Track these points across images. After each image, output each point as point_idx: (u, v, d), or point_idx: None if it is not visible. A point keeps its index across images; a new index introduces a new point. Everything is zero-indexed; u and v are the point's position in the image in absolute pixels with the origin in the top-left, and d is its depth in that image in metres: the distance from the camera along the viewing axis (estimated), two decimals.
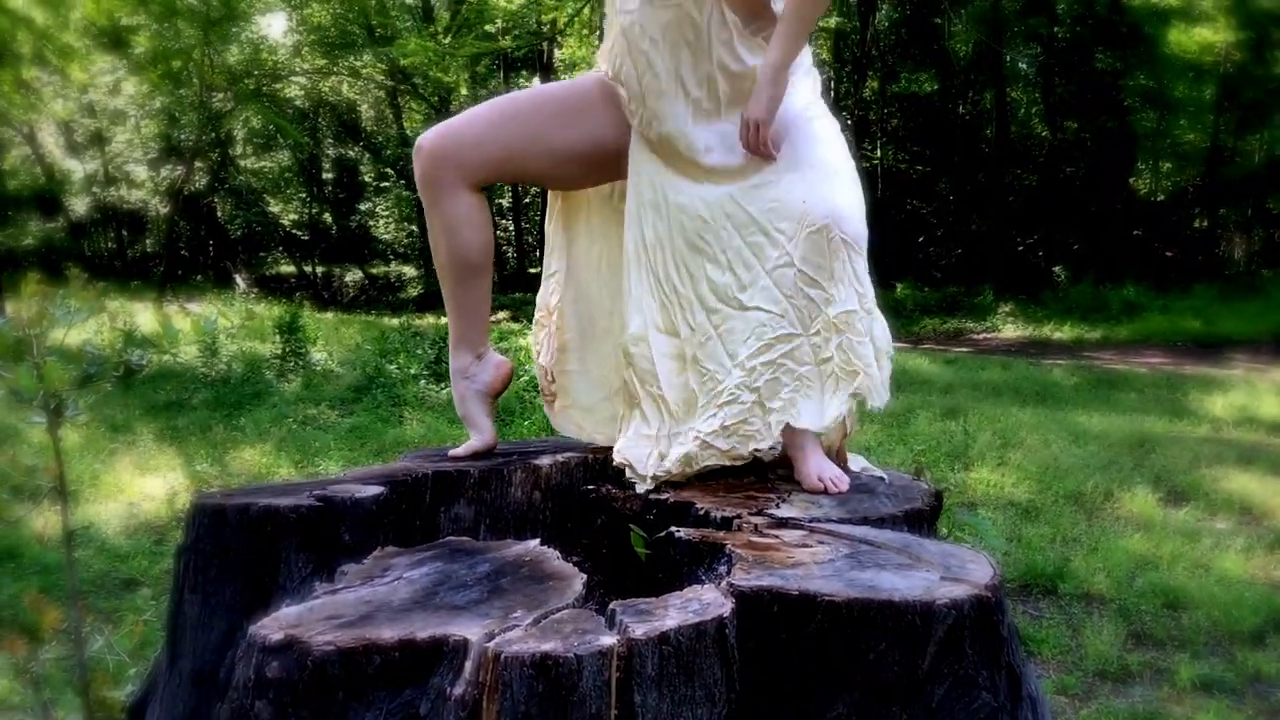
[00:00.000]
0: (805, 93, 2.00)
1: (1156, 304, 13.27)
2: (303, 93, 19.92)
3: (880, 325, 1.91)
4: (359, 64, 18.47)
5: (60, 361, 1.73)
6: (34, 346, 1.70)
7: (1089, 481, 5.14)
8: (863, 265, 1.92)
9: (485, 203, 2.04)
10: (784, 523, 1.61)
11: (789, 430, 1.90)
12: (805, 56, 2.03)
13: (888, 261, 18.21)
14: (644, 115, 1.96)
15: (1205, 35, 14.55)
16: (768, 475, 1.92)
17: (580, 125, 2.02)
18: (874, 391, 1.88)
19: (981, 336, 12.96)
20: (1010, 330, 13.17)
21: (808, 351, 1.89)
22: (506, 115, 2.01)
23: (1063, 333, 12.63)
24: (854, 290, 1.89)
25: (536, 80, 20.20)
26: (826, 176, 1.91)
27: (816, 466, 1.85)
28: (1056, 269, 15.56)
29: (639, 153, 1.99)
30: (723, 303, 1.91)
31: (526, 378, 6.43)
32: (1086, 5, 15.25)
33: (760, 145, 1.89)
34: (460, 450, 2.00)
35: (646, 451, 1.91)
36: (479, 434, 2.03)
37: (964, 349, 11.61)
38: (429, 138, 1.99)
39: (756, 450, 1.88)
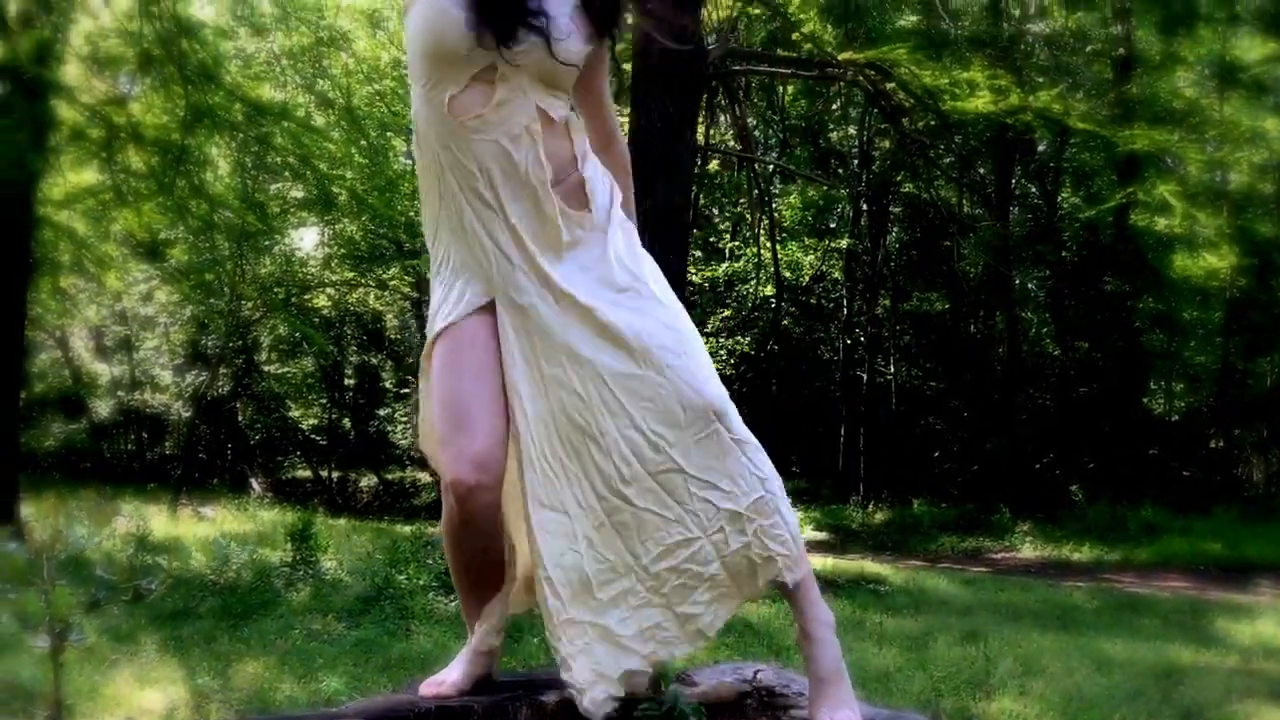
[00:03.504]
0: (620, 243, 1.98)
1: (1176, 526, 13.10)
2: (330, 303, 20.48)
3: (786, 504, 1.90)
4: (386, 276, 19.06)
5: (69, 584, 1.73)
6: (44, 569, 1.70)
7: (1115, 714, 4.95)
8: (758, 454, 1.90)
9: None
10: None
11: (814, 674, 1.87)
12: (616, 206, 2.02)
13: (904, 477, 18.20)
14: (500, 268, 1.90)
15: (1210, 261, 14.90)
16: (780, 717, 1.87)
17: (495, 363, 1.93)
18: (793, 569, 1.88)
19: (1000, 556, 12.76)
20: (1029, 550, 12.98)
21: (710, 551, 1.85)
22: (494, 411, 1.91)
23: (1082, 554, 12.44)
24: (756, 479, 1.87)
25: None
26: (692, 365, 1.89)
27: (831, 709, 1.81)
28: (1073, 488, 15.46)
29: (503, 331, 1.90)
30: (610, 492, 1.84)
31: None
32: (1091, 232, 15.73)
33: None
34: (445, 689, 1.96)
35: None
36: (461, 677, 1.99)
37: (982, 568, 11.42)
38: (470, 475, 1.85)
39: (675, 654, 1.84)
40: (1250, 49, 14.36)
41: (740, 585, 1.88)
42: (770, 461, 1.93)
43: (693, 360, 1.89)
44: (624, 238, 1.98)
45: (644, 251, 2.03)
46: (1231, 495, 14.96)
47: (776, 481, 1.91)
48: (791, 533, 1.89)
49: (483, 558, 1.97)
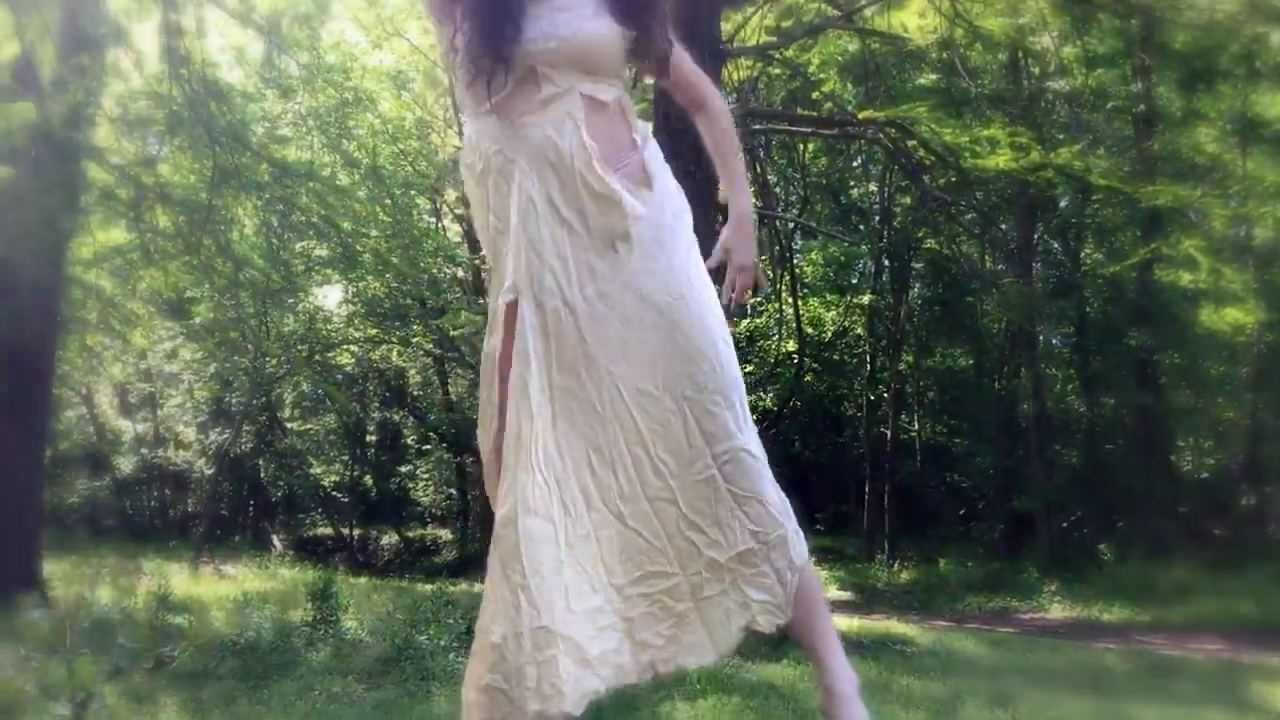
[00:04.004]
0: (682, 253, 1.97)
1: (1209, 585, 12.86)
2: (353, 360, 20.58)
3: (781, 552, 1.86)
4: (410, 334, 19.15)
5: (92, 651, 1.71)
6: (68, 637, 1.69)
7: None
8: (757, 509, 1.87)
9: None
10: None
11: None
12: (681, 201, 2.03)
13: (929, 535, 18.01)
14: (536, 269, 1.87)
15: (1236, 316, 14.83)
16: None
17: None
18: (775, 615, 1.85)
19: (1028, 616, 12.56)
20: (1058, 610, 12.78)
21: (685, 590, 1.84)
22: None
23: (1112, 614, 12.23)
24: (747, 532, 1.85)
25: None
26: (708, 402, 1.86)
27: None
28: (1102, 547, 15.25)
29: (521, 328, 1.87)
30: (605, 504, 1.83)
31: None
32: (1115, 287, 15.66)
33: (741, 293, 2.05)
34: None
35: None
36: None
37: (1010, 629, 11.24)
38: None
39: (624, 683, 1.82)
40: (1271, 105, 14.39)
41: (714, 635, 1.85)
42: (776, 518, 1.88)
43: (712, 397, 1.86)
44: (687, 249, 1.98)
45: (704, 271, 2.01)
46: (1265, 553, 14.70)
47: (776, 534, 1.86)
48: (783, 581, 1.85)
49: None
